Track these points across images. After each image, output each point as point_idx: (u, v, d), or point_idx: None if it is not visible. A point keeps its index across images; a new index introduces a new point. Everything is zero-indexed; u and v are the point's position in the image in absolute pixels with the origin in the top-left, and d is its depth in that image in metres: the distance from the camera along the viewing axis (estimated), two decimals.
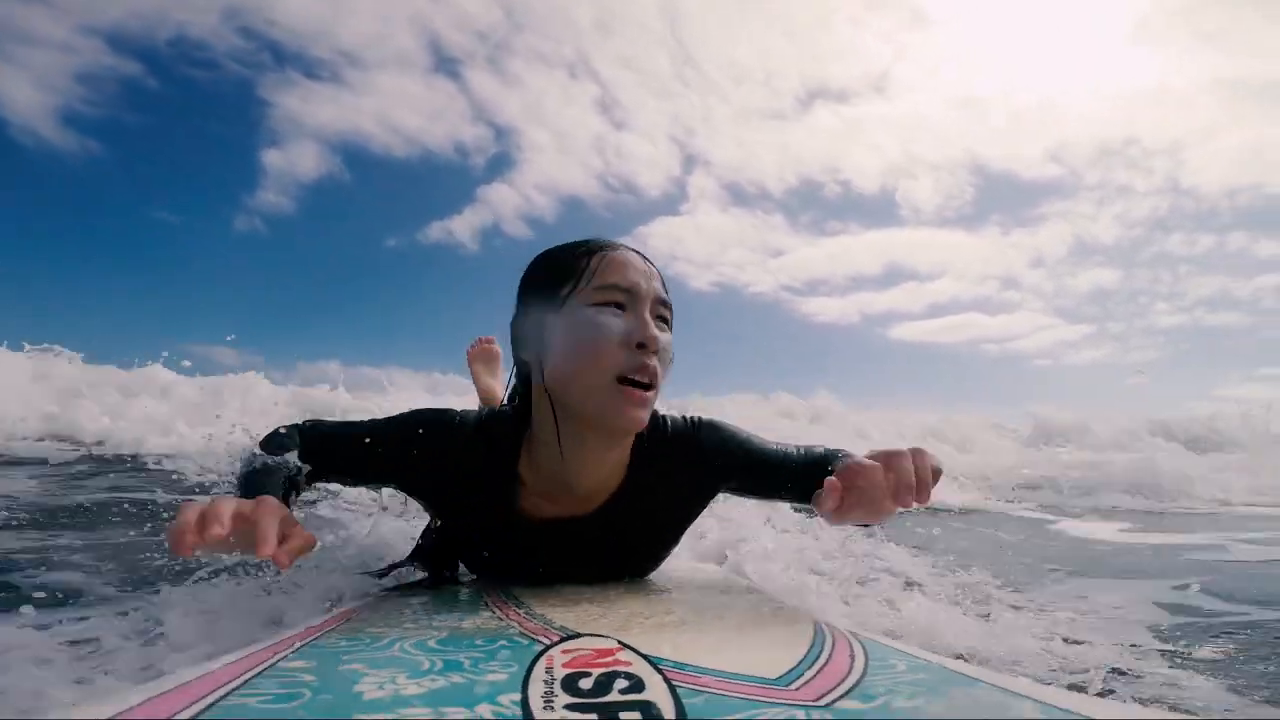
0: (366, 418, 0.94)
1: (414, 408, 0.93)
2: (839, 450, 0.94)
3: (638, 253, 0.86)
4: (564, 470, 0.86)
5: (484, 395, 2.22)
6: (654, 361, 0.79)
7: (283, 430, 0.90)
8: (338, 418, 1.03)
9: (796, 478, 0.92)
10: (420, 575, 1.07)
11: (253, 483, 0.78)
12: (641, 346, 0.77)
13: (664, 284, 0.86)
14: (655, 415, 0.94)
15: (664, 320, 0.84)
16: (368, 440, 0.88)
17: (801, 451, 0.97)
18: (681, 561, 1.34)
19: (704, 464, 0.94)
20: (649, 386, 0.79)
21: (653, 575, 1.06)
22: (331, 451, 0.90)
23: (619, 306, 0.80)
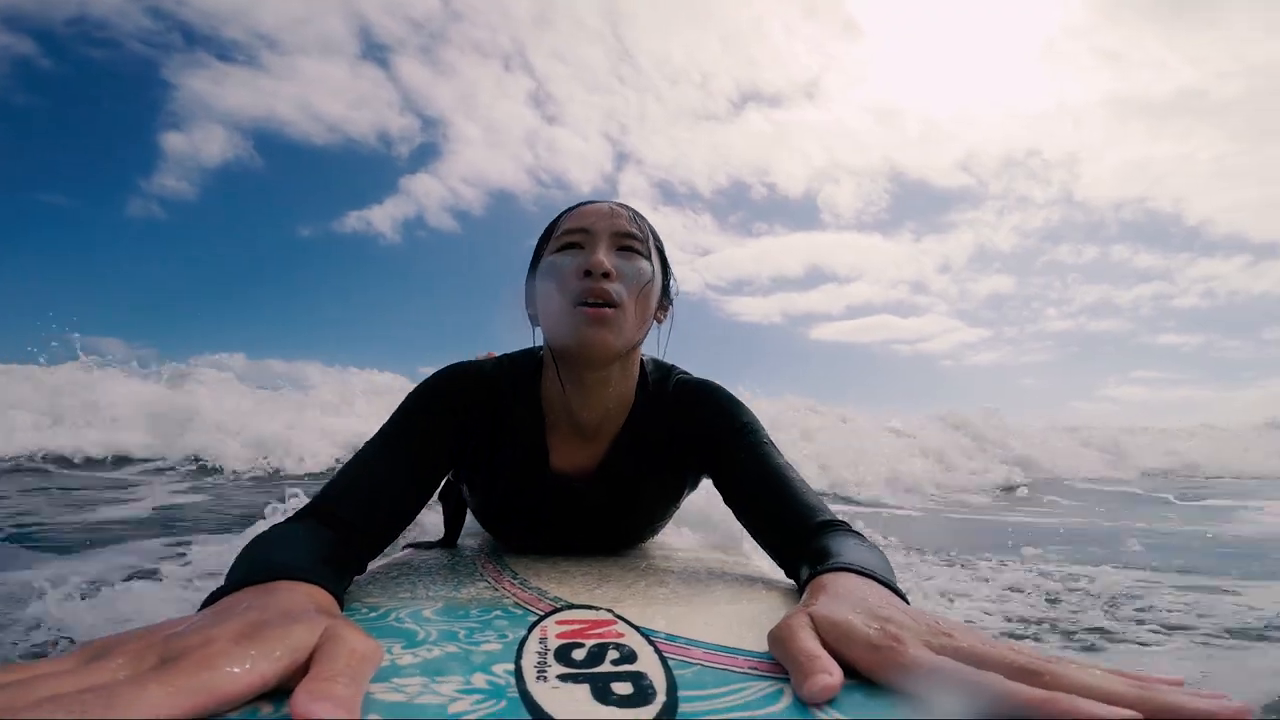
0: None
1: (419, 384, 0.91)
2: (840, 532, 0.74)
3: (614, 202, 0.92)
4: (569, 402, 0.91)
5: None
6: (606, 284, 0.82)
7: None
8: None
9: (771, 530, 0.82)
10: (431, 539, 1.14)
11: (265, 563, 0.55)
12: (589, 274, 0.82)
13: (638, 222, 0.90)
14: (666, 366, 1.00)
15: (629, 250, 0.87)
16: (408, 434, 0.84)
17: (800, 501, 0.81)
18: (677, 536, 1.36)
19: (692, 421, 0.93)
20: (604, 305, 0.82)
21: (647, 548, 1.07)
22: (376, 484, 0.78)
23: (578, 246, 0.86)
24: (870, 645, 0.42)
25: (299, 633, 0.39)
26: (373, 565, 0.90)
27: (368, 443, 0.84)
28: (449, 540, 1.14)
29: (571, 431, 0.93)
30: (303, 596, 0.49)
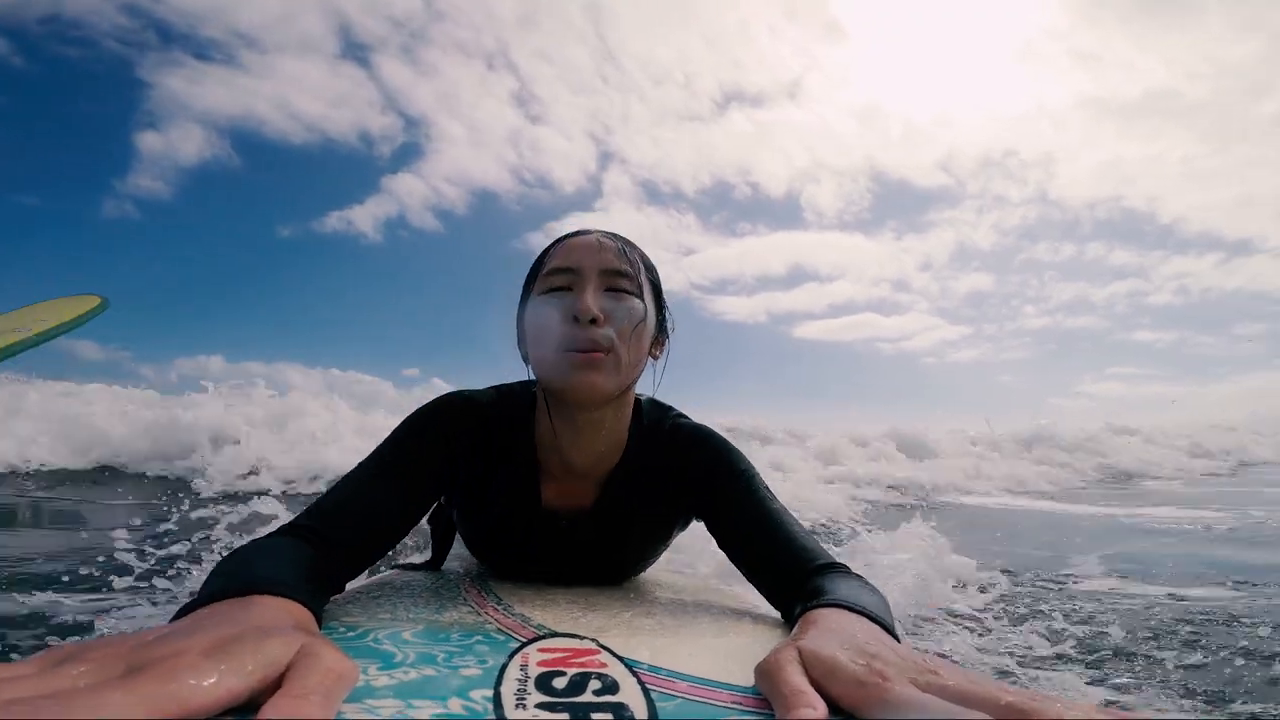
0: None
1: (414, 411, 0.90)
2: (836, 573, 0.74)
3: (602, 233, 0.90)
4: (560, 442, 0.89)
5: None
6: (594, 331, 0.81)
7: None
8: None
9: (766, 570, 0.82)
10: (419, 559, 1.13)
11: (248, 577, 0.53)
12: (576, 320, 0.81)
13: (626, 253, 0.87)
14: (664, 406, 0.99)
15: (619, 290, 0.85)
16: (398, 460, 0.84)
17: (797, 544, 0.80)
18: (665, 568, 1.34)
19: (687, 464, 0.93)
20: (594, 350, 0.81)
21: (634, 580, 1.06)
22: (361, 511, 0.77)
23: (565, 290, 0.84)
24: (856, 681, 0.42)
25: (272, 648, 0.38)
26: (354, 584, 0.88)
27: (359, 465, 0.84)
28: (435, 563, 1.12)
29: (563, 470, 0.92)
30: (280, 612, 0.48)
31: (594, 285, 0.83)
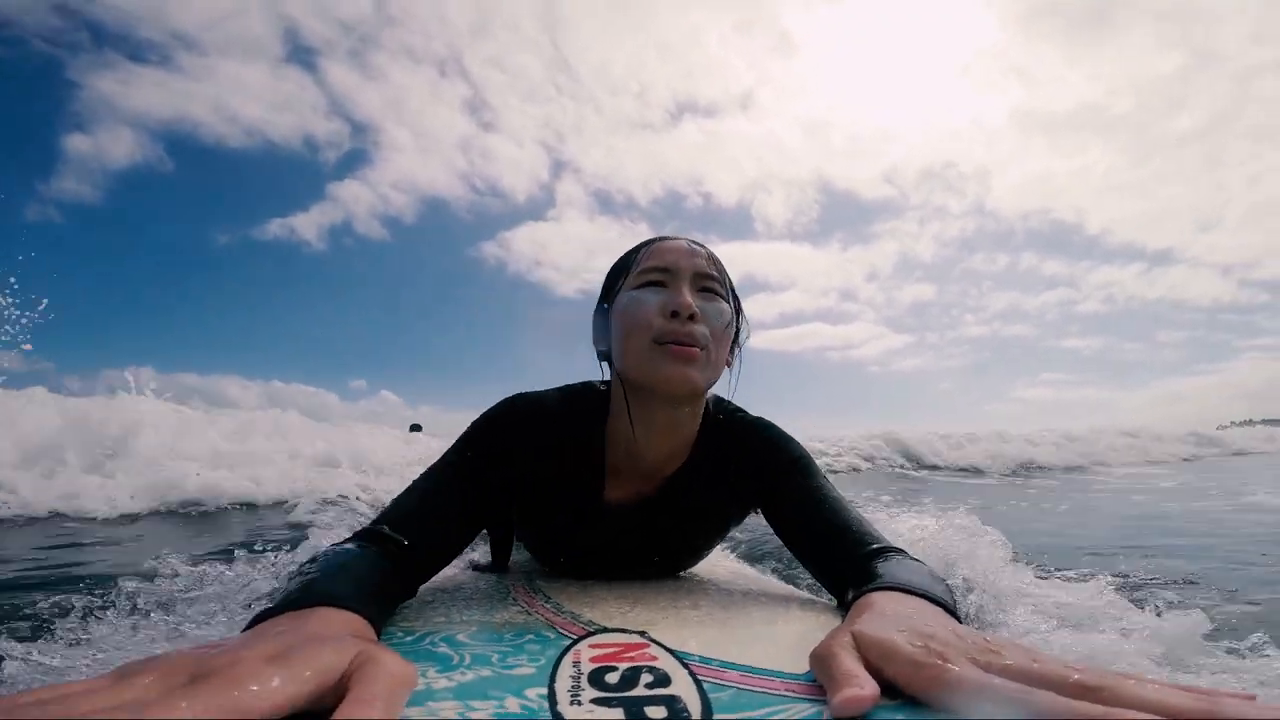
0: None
1: (480, 415, 0.91)
2: (893, 555, 0.73)
3: (690, 240, 0.92)
4: (636, 439, 0.90)
5: None
6: (692, 326, 0.82)
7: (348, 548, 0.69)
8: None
9: (822, 556, 0.82)
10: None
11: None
12: (675, 314, 0.82)
13: (715, 263, 0.91)
14: (722, 401, 0.99)
15: (711, 291, 0.88)
16: (464, 466, 0.86)
17: (854, 530, 0.80)
18: (710, 557, 1.34)
19: (748, 458, 0.94)
20: (690, 345, 0.82)
21: (679, 571, 1.06)
22: (431, 514, 0.80)
23: (660, 285, 0.86)
24: (913, 663, 0.41)
25: (327, 656, 0.40)
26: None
27: (428, 470, 0.87)
28: (499, 565, 1.14)
29: (631, 467, 0.93)
30: (337, 622, 0.51)
31: (689, 284, 0.86)
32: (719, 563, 1.31)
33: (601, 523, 0.94)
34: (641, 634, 0.60)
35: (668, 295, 0.84)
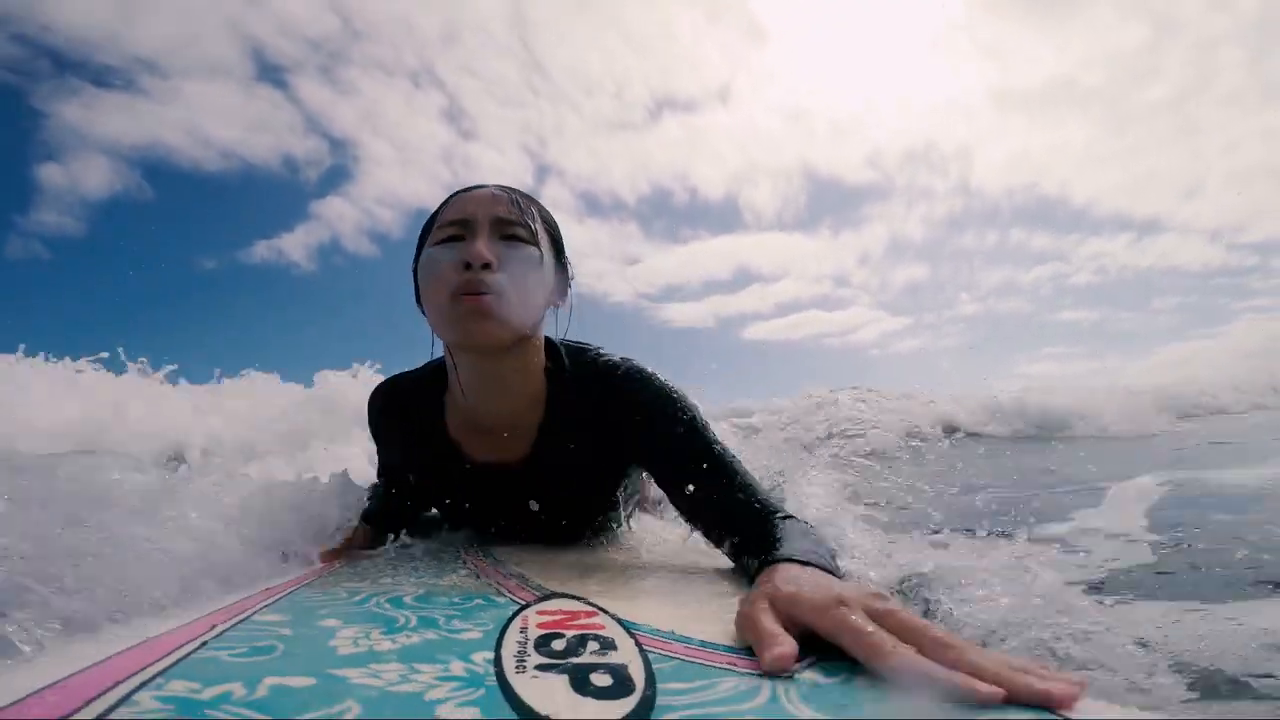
0: None
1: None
2: (783, 520, 0.76)
3: (499, 186, 0.89)
4: (470, 401, 0.91)
5: None
6: (485, 275, 0.81)
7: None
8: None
9: (711, 514, 0.83)
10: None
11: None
12: (469, 266, 0.81)
13: (519, 203, 0.87)
14: (582, 348, 0.96)
15: (515, 237, 0.85)
16: (377, 444, 1.09)
17: (743, 489, 0.81)
18: (662, 531, 1.36)
19: (618, 403, 0.90)
20: (483, 293, 0.80)
21: (633, 542, 1.07)
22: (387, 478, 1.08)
23: (460, 239, 0.84)
24: (818, 608, 0.47)
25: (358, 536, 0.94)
26: (357, 552, 0.90)
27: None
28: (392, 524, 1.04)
29: (484, 430, 0.93)
30: (362, 532, 0.96)
31: (487, 234, 0.83)
32: (673, 531, 1.33)
33: (478, 486, 0.96)
34: (589, 602, 0.61)
35: (463, 247, 0.83)
